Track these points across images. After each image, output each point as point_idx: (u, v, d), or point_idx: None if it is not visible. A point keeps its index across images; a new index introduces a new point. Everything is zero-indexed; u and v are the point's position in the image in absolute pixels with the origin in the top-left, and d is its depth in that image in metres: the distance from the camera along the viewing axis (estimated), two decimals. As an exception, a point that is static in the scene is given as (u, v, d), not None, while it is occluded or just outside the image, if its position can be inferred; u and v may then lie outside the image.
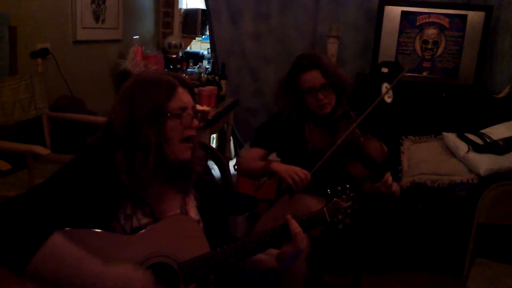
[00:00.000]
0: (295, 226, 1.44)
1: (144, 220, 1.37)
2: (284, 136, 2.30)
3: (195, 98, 1.46)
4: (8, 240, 1.17)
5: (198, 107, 3.30)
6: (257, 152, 2.33)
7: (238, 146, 4.76)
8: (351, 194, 1.56)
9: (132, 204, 1.36)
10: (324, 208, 1.53)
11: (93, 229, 1.29)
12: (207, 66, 4.46)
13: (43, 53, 2.89)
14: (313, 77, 2.14)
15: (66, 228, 1.26)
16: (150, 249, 1.33)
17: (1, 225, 1.18)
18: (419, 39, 3.74)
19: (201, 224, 1.49)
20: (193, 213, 1.49)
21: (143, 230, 1.34)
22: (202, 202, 1.53)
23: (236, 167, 2.95)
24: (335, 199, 1.55)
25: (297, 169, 2.03)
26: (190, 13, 4.74)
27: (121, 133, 1.35)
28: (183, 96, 1.40)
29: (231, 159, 4.80)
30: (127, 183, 1.33)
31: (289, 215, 1.48)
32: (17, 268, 1.17)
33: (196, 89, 3.53)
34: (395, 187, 2.07)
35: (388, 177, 2.04)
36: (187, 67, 3.93)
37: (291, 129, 2.29)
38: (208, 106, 3.41)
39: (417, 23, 3.72)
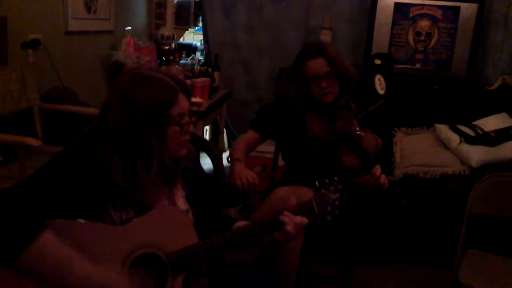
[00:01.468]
0: (284, 217, 1.45)
1: (133, 213, 1.37)
2: (285, 122, 2.33)
3: (190, 103, 1.45)
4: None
5: (192, 99, 3.29)
6: (252, 135, 2.40)
7: (231, 138, 4.76)
8: (339, 186, 1.57)
9: (121, 199, 1.36)
10: (312, 200, 1.53)
11: (83, 220, 1.29)
12: (200, 58, 4.44)
13: (35, 44, 2.86)
14: (318, 65, 2.16)
15: (57, 220, 1.25)
16: (138, 240, 1.33)
17: None
18: (412, 31, 3.74)
19: (190, 213, 1.49)
20: (181, 203, 1.49)
21: (132, 221, 1.35)
22: (191, 191, 1.53)
23: (229, 159, 2.96)
24: (323, 190, 1.55)
25: (248, 174, 2.13)
26: (183, 4, 4.71)
27: (118, 133, 1.32)
28: (183, 103, 1.38)
29: (224, 151, 4.80)
30: (122, 185, 1.32)
31: (284, 211, 1.48)
32: (6, 263, 1.17)
33: (189, 81, 3.54)
34: (383, 179, 2.07)
35: (377, 169, 2.06)
36: (180, 59, 3.91)
37: (292, 115, 2.32)
38: (201, 97, 3.40)
39: (410, 15, 3.72)
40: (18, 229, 1.17)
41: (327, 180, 1.57)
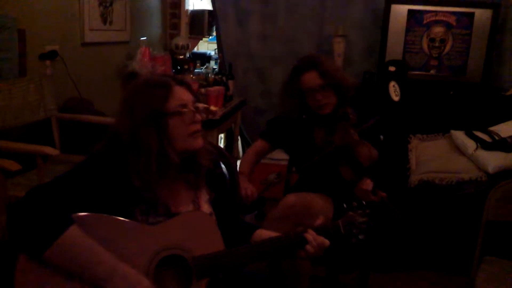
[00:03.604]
0: (309, 235, 1.47)
1: (160, 218, 1.40)
2: (294, 133, 2.34)
3: (194, 95, 1.48)
4: (28, 228, 1.21)
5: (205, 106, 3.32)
6: (261, 144, 2.43)
7: (246, 146, 4.77)
8: (367, 211, 1.57)
9: (147, 203, 1.39)
10: (339, 221, 1.54)
11: (113, 216, 1.32)
12: (214, 67, 4.47)
13: (52, 55, 2.92)
14: (311, 78, 2.17)
15: (88, 213, 1.29)
16: (166, 241, 1.36)
17: (23, 213, 1.22)
18: (427, 37, 3.73)
19: (214, 217, 1.52)
20: (205, 207, 1.52)
21: (161, 223, 1.38)
22: (215, 196, 1.56)
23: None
24: (350, 213, 1.56)
25: (248, 187, 2.16)
26: (197, 14, 4.75)
27: (127, 140, 1.37)
28: (181, 94, 1.42)
29: (239, 158, 4.81)
30: (139, 186, 1.35)
31: (309, 229, 1.49)
32: (34, 255, 1.22)
33: (203, 90, 3.56)
34: (366, 193, 2.03)
35: (365, 182, 2.05)
36: (194, 68, 3.94)
37: (301, 127, 2.32)
38: (215, 106, 3.42)
39: (424, 22, 3.71)
40: (47, 223, 1.22)
41: (355, 203, 1.57)
